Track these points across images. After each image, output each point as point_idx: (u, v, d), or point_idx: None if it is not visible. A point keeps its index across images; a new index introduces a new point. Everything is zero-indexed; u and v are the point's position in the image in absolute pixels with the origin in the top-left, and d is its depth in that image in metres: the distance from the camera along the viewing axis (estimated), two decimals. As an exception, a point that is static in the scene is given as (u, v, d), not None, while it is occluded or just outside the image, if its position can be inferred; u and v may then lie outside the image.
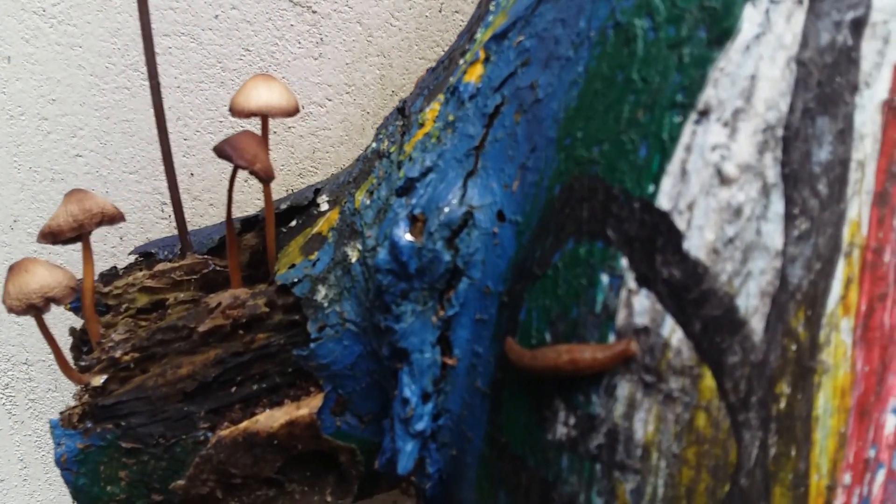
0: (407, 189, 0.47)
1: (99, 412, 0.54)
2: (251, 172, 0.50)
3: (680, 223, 0.36)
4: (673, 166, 0.36)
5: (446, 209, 0.44)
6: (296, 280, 0.53)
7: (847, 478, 0.37)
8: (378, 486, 0.59)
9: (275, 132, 0.81)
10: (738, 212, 0.35)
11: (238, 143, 0.50)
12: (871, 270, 0.36)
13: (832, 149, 0.35)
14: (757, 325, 0.36)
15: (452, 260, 0.44)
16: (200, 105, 0.80)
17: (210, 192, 0.84)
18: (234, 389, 0.55)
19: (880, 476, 0.38)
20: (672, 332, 0.36)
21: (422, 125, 0.50)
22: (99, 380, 0.55)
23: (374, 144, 0.55)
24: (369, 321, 0.50)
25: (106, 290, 0.60)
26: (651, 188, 0.36)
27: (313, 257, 0.54)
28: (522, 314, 0.41)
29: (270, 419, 0.53)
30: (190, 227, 0.82)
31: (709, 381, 0.36)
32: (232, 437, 0.54)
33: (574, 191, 0.39)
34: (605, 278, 0.37)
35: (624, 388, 0.37)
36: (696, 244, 0.36)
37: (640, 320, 0.37)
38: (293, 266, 0.55)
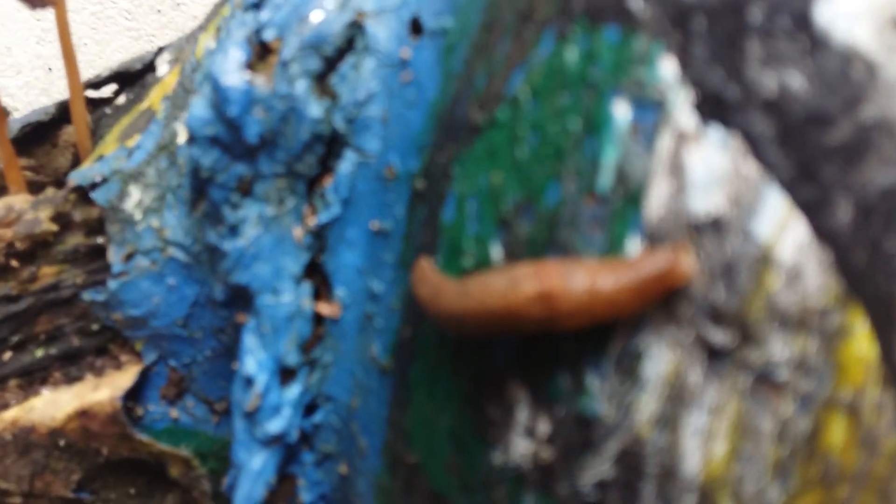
0: (259, 2, 0.26)
1: None
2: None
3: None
4: None
5: (315, 18, 0.23)
6: (99, 179, 0.32)
7: None
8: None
9: (159, 11, 0.60)
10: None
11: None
12: None
13: None
14: None
15: (327, 116, 0.23)
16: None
17: (75, 93, 0.62)
18: (6, 356, 0.34)
19: None
20: (782, 228, 0.15)
21: None
22: None
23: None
24: (202, 243, 0.29)
25: None
26: None
27: (132, 143, 0.33)
28: (448, 210, 0.20)
29: (53, 406, 0.33)
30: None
31: (861, 343, 0.15)
32: (-6, 434, 0.33)
33: (555, -73, 0.18)
34: (621, 111, 0.16)
35: (661, 361, 0.16)
36: (846, 7, 0.14)
37: (706, 202, 0.16)
38: (100, 158, 0.33)
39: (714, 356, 0.16)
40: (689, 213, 0.16)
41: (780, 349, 0.16)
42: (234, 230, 0.25)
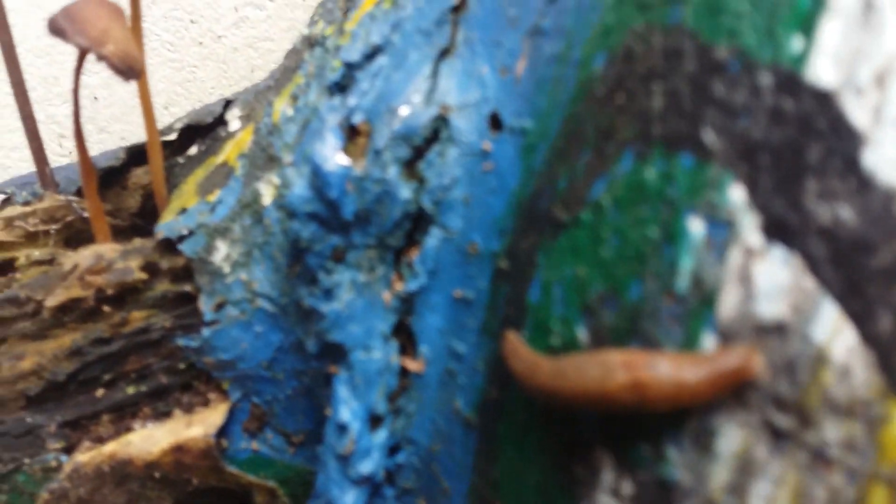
0: (343, 84, 0.29)
1: None
2: (101, 58, 0.31)
3: (857, 114, 0.18)
4: (850, -5, 0.17)
5: (404, 112, 0.26)
6: (185, 232, 0.35)
7: None
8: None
9: (200, 43, 0.62)
10: None
11: (79, 12, 0.32)
12: None
13: None
14: None
15: (415, 197, 0.26)
16: (102, 4, 0.60)
17: (121, 121, 0.65)
18: (99, 393, 0.37)
19: None
20: (835, 333, 0.18)
21: (372, -11, 0.31)
22: None
23: (305, 30, 0.37)
24: (290, 296, 0.32)
25: (-56, 247, 0.42)
26: (796, 45, 0.18)
27: (213, 198, 0.36)
28: (534, 292, 0.23)
29: (149, 441, 0.36)
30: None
31: (901, 427, 0.19)
32: (94, 464, 0.36)
33: (635, 60, 0.21)
34: (696, 226, 0.19)
35: (732, 438, 0.19)
36: (889, 154, 0.17)
37: (771, 309, 0.19)
38: (184, 211, 0.36)
39: (777, 436, 0.19)
40: (756, 316, 0.19)
41: (832, 432, 0.19)
42: (328, 293, 0.28)
